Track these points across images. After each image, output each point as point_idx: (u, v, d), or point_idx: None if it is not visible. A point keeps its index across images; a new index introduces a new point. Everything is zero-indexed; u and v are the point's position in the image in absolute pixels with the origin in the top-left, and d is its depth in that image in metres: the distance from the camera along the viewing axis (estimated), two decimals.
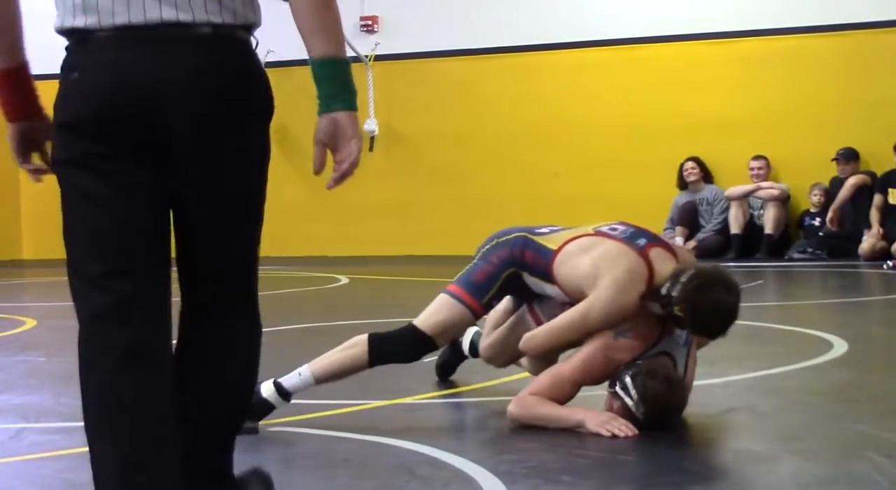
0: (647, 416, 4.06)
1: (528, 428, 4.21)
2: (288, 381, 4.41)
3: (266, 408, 4.38)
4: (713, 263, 4.41)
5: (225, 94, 2.63)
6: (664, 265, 4.24)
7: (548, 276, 4.37)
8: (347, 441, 4.21)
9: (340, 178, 2.83)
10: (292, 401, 4.42)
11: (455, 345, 5.12)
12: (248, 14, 2.77)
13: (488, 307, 4.47)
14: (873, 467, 3.57)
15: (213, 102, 2.60)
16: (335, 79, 2.76)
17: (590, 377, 4.24)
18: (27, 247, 15.70)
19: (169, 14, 2.55)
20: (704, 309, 4.08)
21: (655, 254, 4.30)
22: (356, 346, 4.42)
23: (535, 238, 4.45)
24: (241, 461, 3.94)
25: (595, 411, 4.18)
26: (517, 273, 4.42)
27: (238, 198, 2.81)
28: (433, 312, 4.38)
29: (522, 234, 4.47)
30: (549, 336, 4.33)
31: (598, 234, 4.42)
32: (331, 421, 4.55)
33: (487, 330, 4.71)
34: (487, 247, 4.49)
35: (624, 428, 4.04)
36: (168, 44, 2.56)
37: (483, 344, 4.70)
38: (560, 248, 4.37)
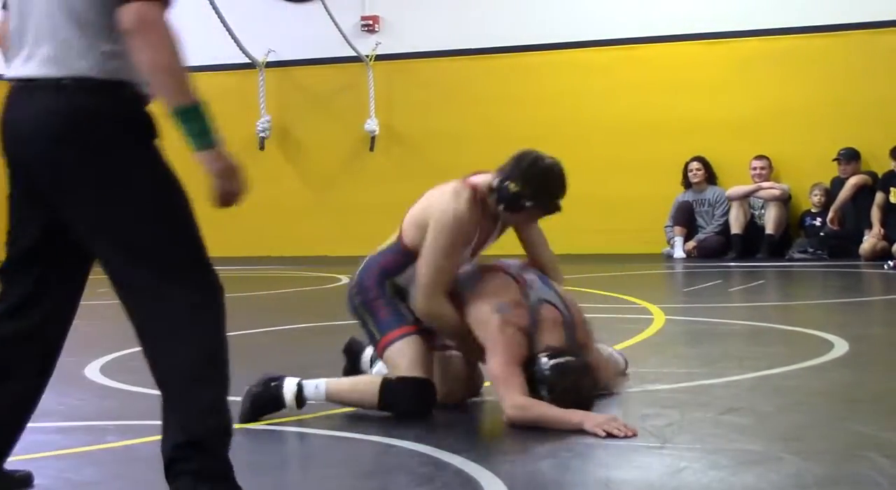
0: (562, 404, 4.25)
1: (529, 428, 4.21)
2: (307, 388, 4.52)
3: (277, 404, 4.48)
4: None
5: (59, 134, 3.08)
6: (484, 179, 4.62)
7: (405, 256, 4.67)
8: (348, 441, 4.21)
9: (217, 202, 3.25)
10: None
11: (354, 361, 5.18)
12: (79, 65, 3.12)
13: (415, 319, 4.60)
14: (874, 468, 3.57)
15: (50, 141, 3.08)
16: (181, 127, 3.09)
17: (515, 354, 4.36)
18: None
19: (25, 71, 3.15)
20: (535, 174, 4.55)
21: (476, 178, 4.69)
22: (370, 386, 4.54)
23: (382, 247, 4.83)
24: (242, 461, 3.95)
25: (592, 413, 4.22)
26: (391, 280, 4.68)
27: (109, 226, 3.13)
28: (399, 364, 4.51)
29: (369, 256, 4.84)
30: (422, 264, 4.54)
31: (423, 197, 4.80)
32: (331, 421, 4.55)
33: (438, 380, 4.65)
34: (352, 291, 4.78)
35: (623, 428, 4.07)
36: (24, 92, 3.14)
37: (442, 395, 4.64)
38: (400, 225, 4.77)
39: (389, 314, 4.61)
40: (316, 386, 4.53)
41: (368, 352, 5.09)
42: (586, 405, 4.35)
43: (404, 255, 4.68)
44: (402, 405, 4.47)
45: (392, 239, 4.79)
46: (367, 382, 4.58)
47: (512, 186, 4.50)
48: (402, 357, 4.52)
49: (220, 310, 3.27)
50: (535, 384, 4.33)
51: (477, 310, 4.50)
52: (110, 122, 3.12)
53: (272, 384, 4.52)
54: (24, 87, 3.14)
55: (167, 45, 3.09)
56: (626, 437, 4.02)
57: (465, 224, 4.54)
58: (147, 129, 3.18)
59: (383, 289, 4.67)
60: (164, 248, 3.14)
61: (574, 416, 4.19)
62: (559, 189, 4.62)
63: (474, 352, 4.56)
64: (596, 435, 4.05)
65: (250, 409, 4.48)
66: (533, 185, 4.54)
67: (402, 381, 4.47)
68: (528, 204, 4.55)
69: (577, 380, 4.34)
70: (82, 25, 3.11)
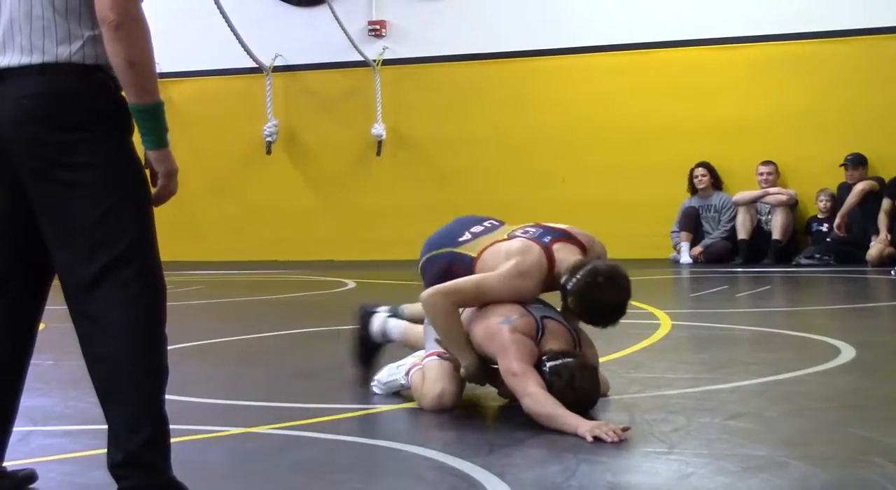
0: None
1: (536, 432, 4.21)
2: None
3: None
4: (612, 262, 4.70)
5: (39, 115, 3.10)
6: (567, 256, 4.73)
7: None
8: (354, 445, 4.21)
9: (156, 200, 3.24)
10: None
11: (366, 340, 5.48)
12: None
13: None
14: (881, 473, 3.56)
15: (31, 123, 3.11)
16: (140, 123, 3.14)
17: (527, 353, 4.51)
18: None
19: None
20: (593, 305, 4.56)
21: (559, 247, 4.78)
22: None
23: (458, 250, 4.95)
24: (250, 466, 3.95)
25: (585, 419, 4.27)
26: None
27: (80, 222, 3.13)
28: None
29: (448, 249, 4.98)
30: (447, 287, 4.70)
31: (510, 237, 4.89)
32: (338, 425, 4.55)
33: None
34: (422, 262, 5.06)
35: (612, 433, 4.10)
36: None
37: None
38: (479, 254, 4.86)
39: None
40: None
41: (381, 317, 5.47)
42: (585, 404, 4.44)
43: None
44: None
45: (471, 251, 4.94)
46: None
47: (570, 302, 4.62)
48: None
49: (163, 309, 3.22)
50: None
51: (486, 323, 4.65)
52: (92, 106, 3.13)
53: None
54: (2, 75, 3.14)
55: (145, 41, 3.12)
56: (614, 441, 4.05)
57: (530, 289, 4.74)
58: (126, 118, 3.17)
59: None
60: (128, 243, 3.13)
61: (572, 418, 4.25)
62: (610, 323, 4.68)
63: (464, 355, 4.71)
64: (585, 439, 4.08)
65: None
66: (587, 315, 4.66)
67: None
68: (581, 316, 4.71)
69: (572, 379, 4.44)
70: (61, 12, 3.12)
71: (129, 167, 3.17)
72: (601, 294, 4.53)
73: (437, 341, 4.81)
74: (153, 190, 3.22)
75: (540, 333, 4.60)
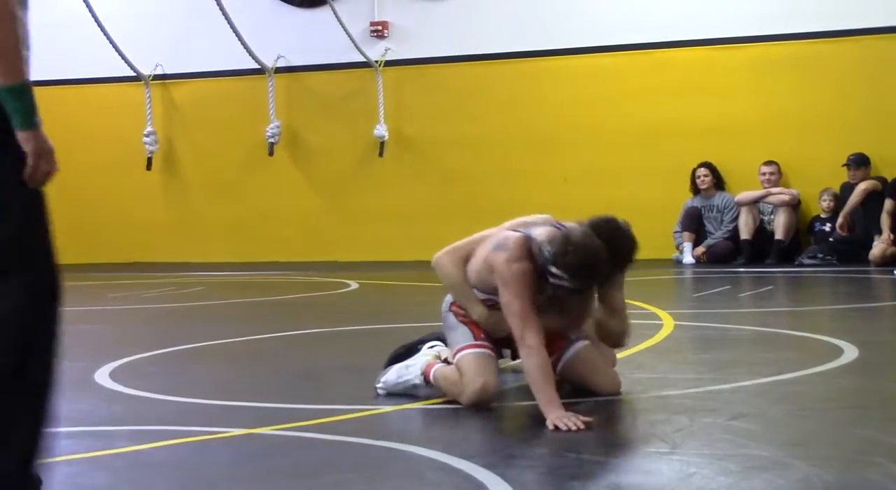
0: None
1: (539, 433, 4.21)
2: None
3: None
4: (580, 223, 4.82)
5: None
6: (535, 229, 4.81)
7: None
8: (357, 446, 4.22)
9: (30, 181, 3.27)
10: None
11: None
12: None
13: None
14: (884, 473, 3.56)
15: None
16: (6, 103, 3.11)
17: (528, 290, 4.65)
18: None
19: None
20: (576, 268, 4.56)
21: (521, 224, 4.95)
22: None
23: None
24: (253, 467, 3.96)
25: (556, 409, 4.39)
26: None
27: None
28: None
29: None
30: (450, 246, 5.05)
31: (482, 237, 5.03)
32: (340, 426, 4.55)
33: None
34: None
35: (574, 423, 4.27)
36: None
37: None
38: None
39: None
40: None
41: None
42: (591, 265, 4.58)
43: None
44: None
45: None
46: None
47: (554, 270, 4.62)
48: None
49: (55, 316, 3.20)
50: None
51: (477, 260, 4.88)
52: None
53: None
54: None
55: (7, 21, 3.05)
56: (576, 430, 4.23)
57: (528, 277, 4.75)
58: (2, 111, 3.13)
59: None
60: (28, 246, 3.14)
61: (549, 401, 4.42)
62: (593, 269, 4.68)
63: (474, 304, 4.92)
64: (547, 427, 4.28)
65: None
66: (574, 276, 4.63)
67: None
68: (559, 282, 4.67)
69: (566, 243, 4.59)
70: None
71: (12, 163, 3.15)
72: (582, 254, 4.55)
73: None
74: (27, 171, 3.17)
75: (530, 239, 4.73)
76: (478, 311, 4.92)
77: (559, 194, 13.33)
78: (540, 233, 4.74)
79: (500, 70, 13.81)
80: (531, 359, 4.55)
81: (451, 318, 5.02)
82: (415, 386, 5.01)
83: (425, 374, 5.01)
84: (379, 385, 5.14)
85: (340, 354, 6.53)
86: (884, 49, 12.52)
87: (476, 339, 4.91)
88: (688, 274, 11.79)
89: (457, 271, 4.96)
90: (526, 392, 4.71)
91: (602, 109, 13.37)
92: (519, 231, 4.83)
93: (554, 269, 4.57)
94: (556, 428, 4.26)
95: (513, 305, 4.63)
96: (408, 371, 5.07)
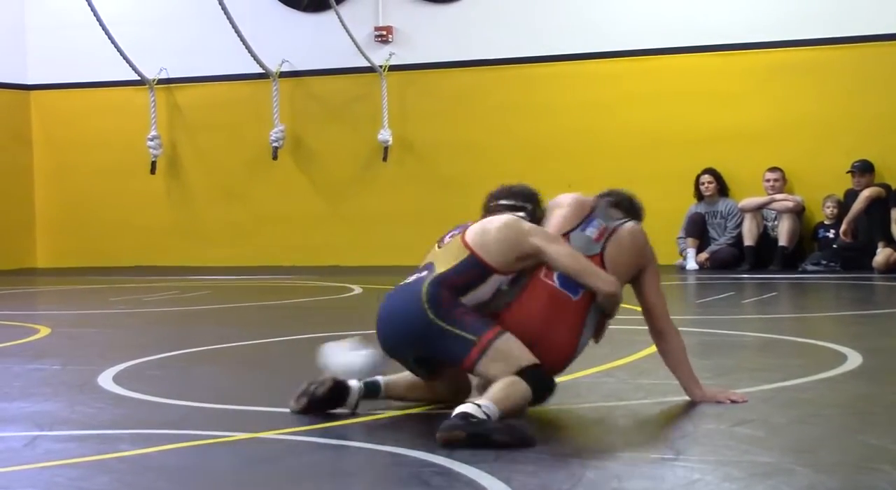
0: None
1: (542, 438, 4.20)
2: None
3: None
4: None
5: None
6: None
7: (482, 272, 4.70)
8: (361, 451, 4.21)
9: None
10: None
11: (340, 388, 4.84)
12: None
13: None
14: (888, 480, 3.56)
15: None
16: None
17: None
18: (41, 255, 15.75)
19: None
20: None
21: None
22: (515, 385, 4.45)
23: (448, 266, 4.73)
24: (256, 471, 3.95)
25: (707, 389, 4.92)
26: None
27: None
28: (513, 352, 4.51)
29: (427, 275, 4.73)
30: (553, 236, 4.90)
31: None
32: (344, 431, 4.55)
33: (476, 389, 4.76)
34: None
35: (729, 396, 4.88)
36: None
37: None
38: (461, 244, 4.80)
39: (477, 319, 4.60)
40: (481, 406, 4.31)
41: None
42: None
43: (482, 271, 4.70)
44: (549, 384, 4.56)
45: (460, 257, 4.73)
46: (509, 383, 4.43)
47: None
48: (513, 346, 4.51)
49: None
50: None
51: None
52: None
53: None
54: None
55: None
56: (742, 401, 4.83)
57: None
58: None
59: (458, 300, 4.64)
60: None
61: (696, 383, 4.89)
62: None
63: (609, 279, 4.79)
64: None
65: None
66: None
67: (537, 366, 4.50)
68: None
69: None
70: None
71: None
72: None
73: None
74: None
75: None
76: (615, 286, 4.74)
77: None
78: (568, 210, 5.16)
79: (504, 75, 13.82)
80: (679, 337, 4.90)
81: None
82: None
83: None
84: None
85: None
86: (889, 56, 12.52)
87: (493, 323, 4.60)
88: (691, 280, 11.78)
89: (581, 256, 4.79)
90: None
91: (607, 115, 13.37)
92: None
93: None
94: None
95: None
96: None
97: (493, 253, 4.70)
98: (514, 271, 4.72)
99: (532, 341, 4.57)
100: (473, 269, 4.69)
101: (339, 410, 4.79)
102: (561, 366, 4.69)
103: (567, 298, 4.68)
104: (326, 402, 4.75)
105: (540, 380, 4.48)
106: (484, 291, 4.68)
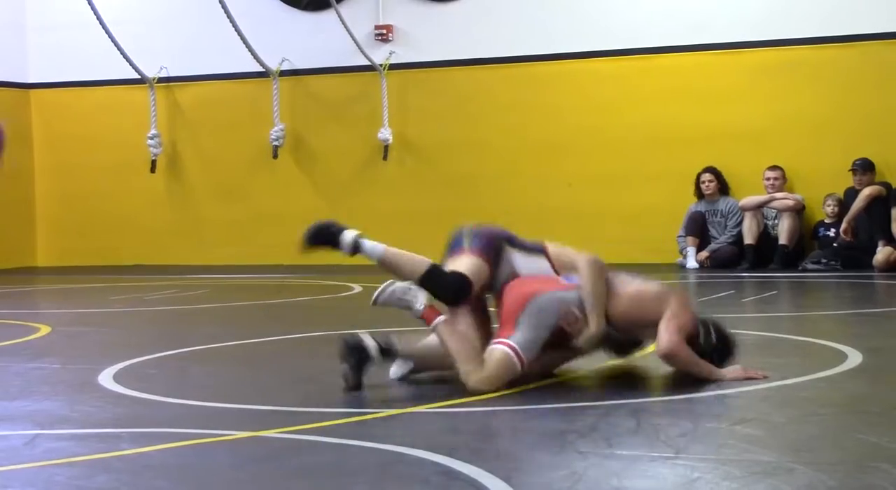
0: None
1: (542, 437, 4.21)
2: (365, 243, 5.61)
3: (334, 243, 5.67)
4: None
5: None
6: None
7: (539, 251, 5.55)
8: (361, 450, 4.21)
9: None
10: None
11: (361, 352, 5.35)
12: None
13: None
14: (888, 479, 3.55)
15: None
16: None
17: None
18: (41, 254, 15.76)
19: None
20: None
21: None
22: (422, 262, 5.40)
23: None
24: (256, 470, 3.95)
25: (727, 369, 5.28)
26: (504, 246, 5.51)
27: None
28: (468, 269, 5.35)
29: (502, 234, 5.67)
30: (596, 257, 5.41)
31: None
32: (344, 429, 4.55)
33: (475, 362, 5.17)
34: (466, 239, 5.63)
35: (759, 372, 5.29)
36: None
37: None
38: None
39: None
40: (374, 245, 5.54)
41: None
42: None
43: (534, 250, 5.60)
44: (440, 291, 5.30)
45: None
46: (419, 261, 5.41)
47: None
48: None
49: None
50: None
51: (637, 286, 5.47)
52: None
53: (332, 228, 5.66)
54: None
55: None
56: (763, 377, 5.21)
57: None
58: None
59: (494, 246, 5.58)
60: None
61: (710, 367, 5.27)
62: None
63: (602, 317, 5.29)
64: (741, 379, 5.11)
65: (314, 232, 5.70)
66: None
67: (453, 274, 5.28)
68: None
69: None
70: None
71: None
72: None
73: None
74: None
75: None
76: (601, 325, 5.23)
77: (563, 198, 13.34)
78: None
79: (504, 74, 13.82)
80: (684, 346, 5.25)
81: (544, 304, 5.20)
82: (409, 308, 5.33)
83: (426, 316, 5.28)
84: (378, 292, 5.49)
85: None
86: (889, 54, 12.52)
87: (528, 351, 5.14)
88: (691, 278, 11.77)
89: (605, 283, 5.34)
90: (530, 396, 4.71)
91: (607, 114, 13.37)
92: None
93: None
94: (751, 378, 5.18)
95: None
96: (410, 294, 5.36)
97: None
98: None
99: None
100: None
101: (340, 409, 4.78)
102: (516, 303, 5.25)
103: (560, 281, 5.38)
104: (359, 371, 5.27)
105: (440, 280, 5.28)
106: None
